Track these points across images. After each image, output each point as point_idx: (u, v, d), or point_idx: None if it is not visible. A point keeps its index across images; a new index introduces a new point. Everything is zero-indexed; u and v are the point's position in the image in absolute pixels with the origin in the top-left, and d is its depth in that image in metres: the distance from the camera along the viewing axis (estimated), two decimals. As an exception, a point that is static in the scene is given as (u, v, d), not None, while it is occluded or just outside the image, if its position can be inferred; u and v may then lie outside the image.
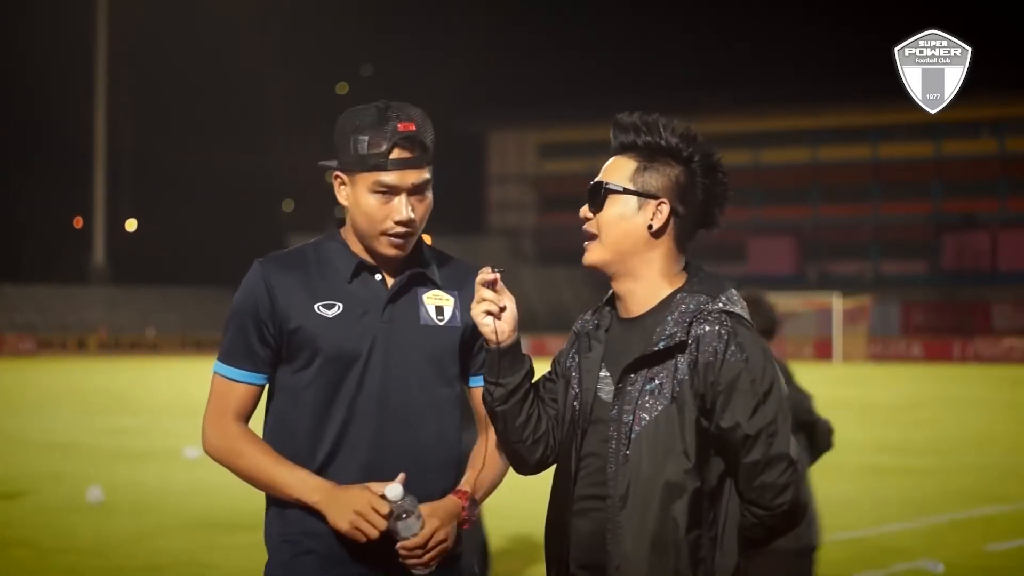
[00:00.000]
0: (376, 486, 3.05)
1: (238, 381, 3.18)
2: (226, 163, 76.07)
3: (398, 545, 3.03)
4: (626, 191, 2.90)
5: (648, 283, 2.91)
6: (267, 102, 78.93)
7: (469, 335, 3.23)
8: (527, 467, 3.06)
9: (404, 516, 3.01)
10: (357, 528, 3.01)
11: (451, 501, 3.13)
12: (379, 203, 3.12)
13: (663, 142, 2.91)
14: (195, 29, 72.88)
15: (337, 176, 3.19)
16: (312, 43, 78.44)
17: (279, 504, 3.16)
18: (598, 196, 2.93)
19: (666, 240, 2.91)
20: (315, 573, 3.10)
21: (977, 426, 21.18)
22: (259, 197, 78.62)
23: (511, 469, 3.17)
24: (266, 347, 3.16)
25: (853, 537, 10.28)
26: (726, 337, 2.79)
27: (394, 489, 3.01)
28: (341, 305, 3.15)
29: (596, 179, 2.96)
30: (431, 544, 3.05)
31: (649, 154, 2.92)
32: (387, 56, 78.22)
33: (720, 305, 2.85)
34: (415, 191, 3.14)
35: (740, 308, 2.88)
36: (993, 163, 62.67)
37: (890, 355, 53.42)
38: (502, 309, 2.94)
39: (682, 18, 76.07)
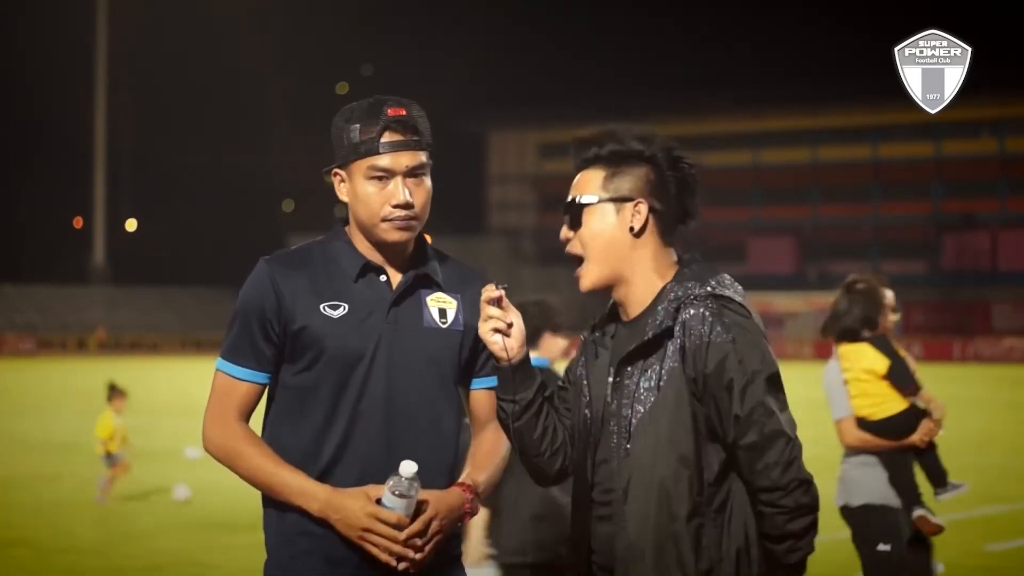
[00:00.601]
0: (374, 490, 3.04)
1: (241, 379, 3.17)
2: (226, 163, 76.05)
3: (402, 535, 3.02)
4: (601, 200, 2.91)
5: (642, 284, 2.92)
6: (267, 102, 78.91)
7: (471, 338, 3.23)
8: (548, 479, 3.06)
9: (402, 496, 2.99)
10: (366, 541, 3.02)
11: (455, 492, 3.12)
12: (376, 189, 3.12)
13: (626, 146, 2.93)
14: (195, 29, 72.90)
15: (336, 173, 3.20)
16: (312, 43, 78.45)
17: (277, 504, 3.15)
18: (574, 213, 2.94)
19: (649, 238, 2.92)
20: (314, 573, 3.10)
21: (977, 426, 21.17)
22: (259, 197, 78.59)
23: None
24: (271, 345, 3.16)
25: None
26: (710, 319, 2.79)
27: (408, 466, 2.99)
28: (347, 306, 3.15)
29: (569, 198, 2.96)
30: (429, 533, 3.05)
31: (615, 160, 2.93)
32: (387, 56, 78.23)
33: (708, 289, 2.84)
34: (411, 174, 3.14)
35: (732, 291, 2.87)
36: (993, 163, 62.65)
37: (890, 355, 53.28)
38: (509, 325, 2.94)
39: (682, 18, 76.08)
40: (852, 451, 5.86)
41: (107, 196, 69.61)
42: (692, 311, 2.81)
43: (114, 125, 70.84)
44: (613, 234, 2.91)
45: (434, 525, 3.05)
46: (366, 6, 76.87)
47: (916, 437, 5.82)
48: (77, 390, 31.22)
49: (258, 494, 3.19)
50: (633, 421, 2.82)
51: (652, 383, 2.82)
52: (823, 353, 51.84)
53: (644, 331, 2.85)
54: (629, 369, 2.86)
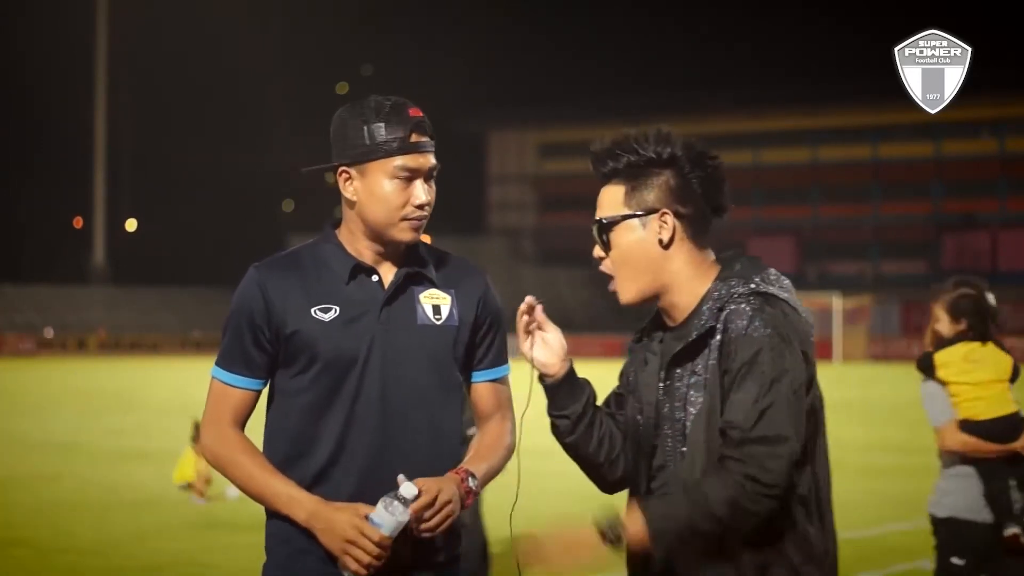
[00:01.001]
0: (364, 508, 3.03)
1: (234, 386, 3.18)
2: (226, 163, 76.07)
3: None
4: (624, 217, 2.88)
5: (684, 290, 2.88)
6: (267, 102, 78.92)
7: (466, 333, 3.23)
8: (610, 485, 3.06)
9: (393, 514, 2.98)
10: (348, 555, 3.01)
11: (448, 476, 3.10)
12: (399, 188, 3.12)
13: (643, 155, 2.87)
14: (195, 29, 72.90)
15: (343, 172, 3.17)
16: (312, 43, 78.47)
17: (275, 504, 3.16)
18: (601, 233, 2.91)
19: (681, 245, 2.87)
20: (312, 572, 3.10)
21: (977, 426, 21.14)
22: (259, 197, 78.61)
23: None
24: (262, 352, 3.16)
25: (853, 537, 10.26)
26: (750, 313, 2.75)
27: (408, 488, 2.99)
28: (338, 308, 3.14)
29: (595, 217, 2.93)
30: (438, 504, 3.03)
31: (634, 172, 2.88)
32: (387, 56, 78.24)
33: (752, 287, 2.80)
34: (430, 176, 3.17)
35: (777, 288, 2.83)
36: (993, 163, 62.67)
37: (890, 355, 53.38)
38: (545, 341, 2.97)
39: (682, 18, 76.10)
40: (949, 459, 5.64)
41: (107, 196, 69.64)
42: (733, 306, 2.77)
43: (114, 125, 70.88)
44: (643, 249, 2.87)
45: (443, 495, 3.03)
46: (366, 6, 76.92)
47: (1021, 443, 5.59)
48: (77, 390, 31.24)
49: (258, 494, 3.19)
50: (687, 424, 2.80)
51: (699, 384, 2.79)
52: (823, 353, 51.83)
53: (690, 333, 2.82)
54: (678, 372, 2.83)
